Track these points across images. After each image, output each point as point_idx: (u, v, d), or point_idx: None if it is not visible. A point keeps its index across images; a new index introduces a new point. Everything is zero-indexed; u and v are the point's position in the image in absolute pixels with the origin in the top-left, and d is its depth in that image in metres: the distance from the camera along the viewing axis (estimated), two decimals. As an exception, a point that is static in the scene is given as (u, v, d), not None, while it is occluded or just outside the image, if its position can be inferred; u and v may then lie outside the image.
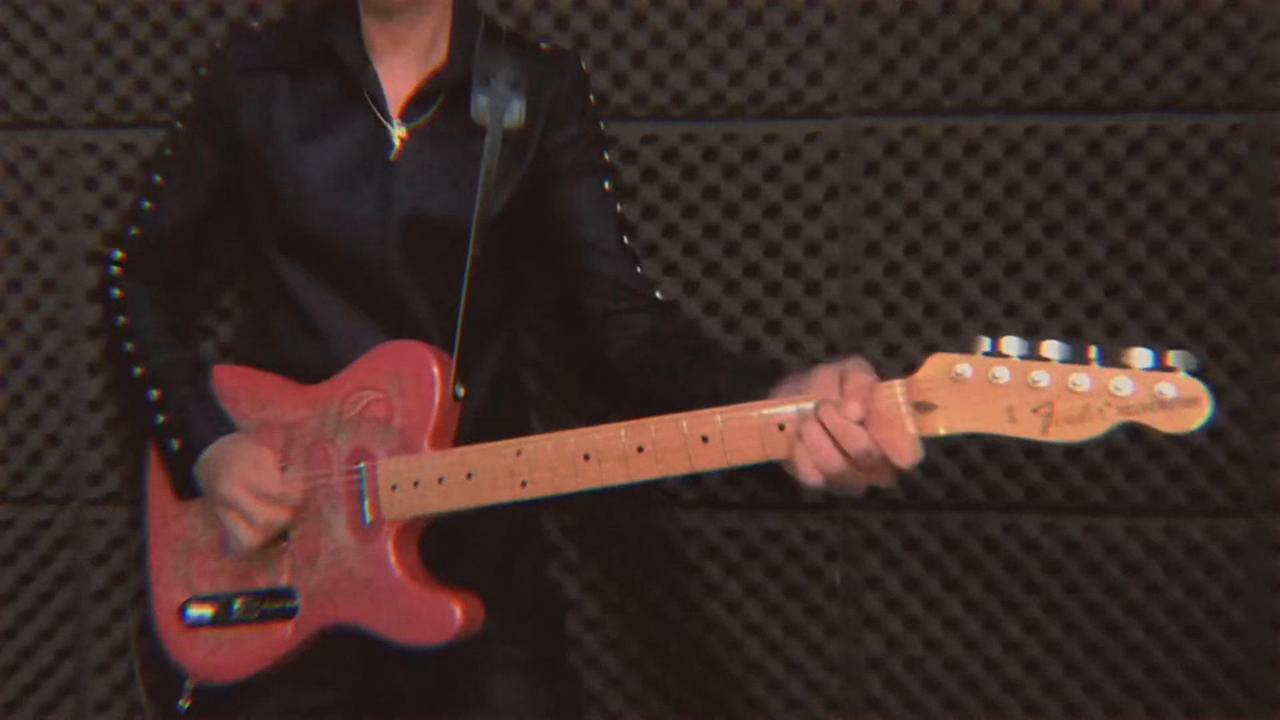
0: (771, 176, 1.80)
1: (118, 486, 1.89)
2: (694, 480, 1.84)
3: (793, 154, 1.79)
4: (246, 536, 1.48)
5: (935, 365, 1.21)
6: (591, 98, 1.64)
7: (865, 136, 1.79)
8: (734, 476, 1.83)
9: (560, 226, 1.59)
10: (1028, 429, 1.16)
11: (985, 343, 1.18)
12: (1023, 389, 1.16)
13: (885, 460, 1.20)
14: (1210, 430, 1.74)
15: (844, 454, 1.20)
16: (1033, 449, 1.78)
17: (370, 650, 1.46)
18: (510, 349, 1.68)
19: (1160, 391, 1.12)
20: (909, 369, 1.78)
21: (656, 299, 1.60)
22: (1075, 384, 1.14)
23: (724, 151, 1.80)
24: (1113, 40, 1.74)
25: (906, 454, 1.20)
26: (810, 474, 1.21)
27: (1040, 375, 1.15)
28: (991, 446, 1.78)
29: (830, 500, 1.82)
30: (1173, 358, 1.13)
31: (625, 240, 1.60)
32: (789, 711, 1.84)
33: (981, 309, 1.78)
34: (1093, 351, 1.15)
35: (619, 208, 1.62)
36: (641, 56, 1.80)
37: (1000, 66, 1.76)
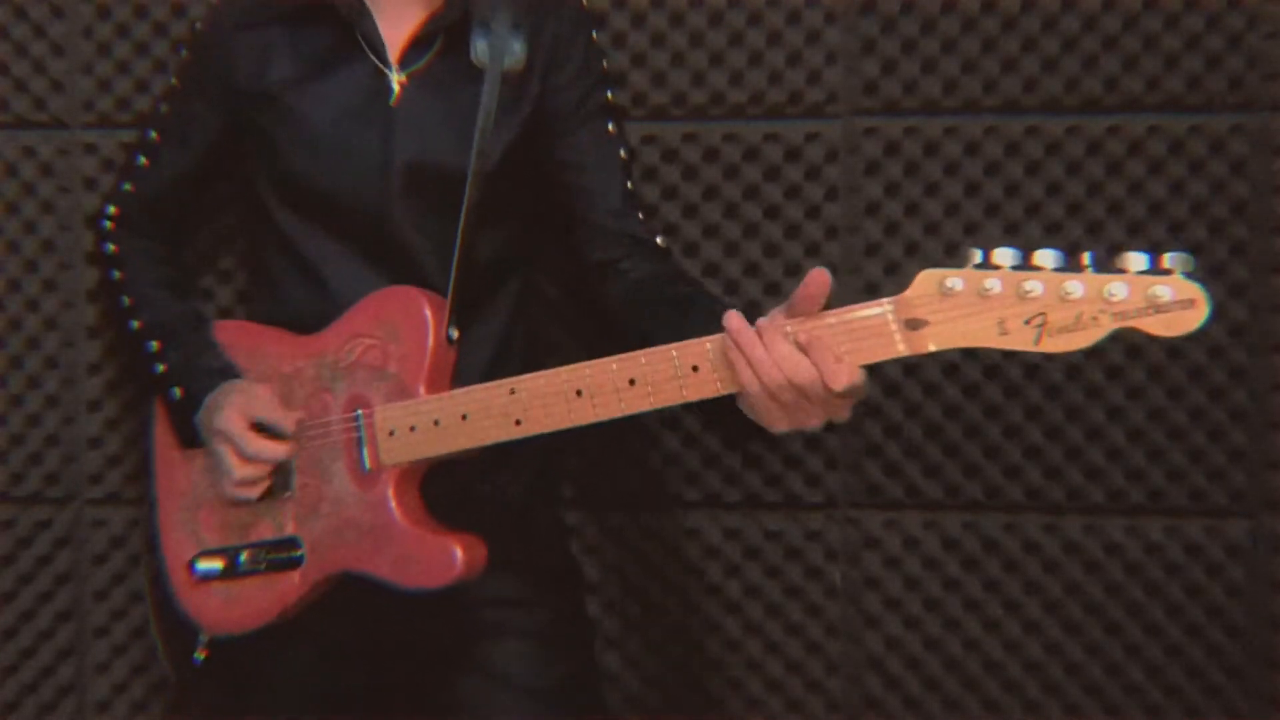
0: (771, 176, 1.80)
1: (118, 486, 1.89)
2: (695, 479, 1.84)
3: (793, 154, 1.79)
4: (235, 467, 1.47)
5: (925, 281, 1.16)
6: (594, 35, 1.63)
7: (865, 136, 1.79)
8: (734, 477, 1.83)
9: (562, 173, 1.58)
10: (1020, 341, 1.13)
11: (977, 255, 1.14)
12: (1014, 300, 1.12)
13: (823, 385, 1.18)
14: (1210, 430, 1.75)
15: (774, 378, 1.19)
16: (1033, 448, 1.78)
17: (383, 606, 1.46)
18: (523, 299, 1.65)
19: (1155, 294, 1.08)
20: (908, 371, 1.80)
21: (656, 245, 1.58)
22: (1068, 292, 1.10)
23: (724, 151, 1.80)
24: (1113, 40, 1.74)
25: (840, 377, 1.17)
26: (749, 389, 1.21)
27: (1033, 285, 1.11)
28: (991, 446, 1.79)
29: (830, 500, 1.82)
30: (1169, 259, 1.08)
31: (628, 185, 1.59)
32: (789, 711, 1.84)
33: (981, 309, 1.78)
34: (1087, 258, 1.11)
35: (623, 152, 1.60)
36: (642, 56, 1.80)
37: (1000, 66, 1.76)
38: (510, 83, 1.53)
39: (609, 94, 1.61)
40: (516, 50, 1.53)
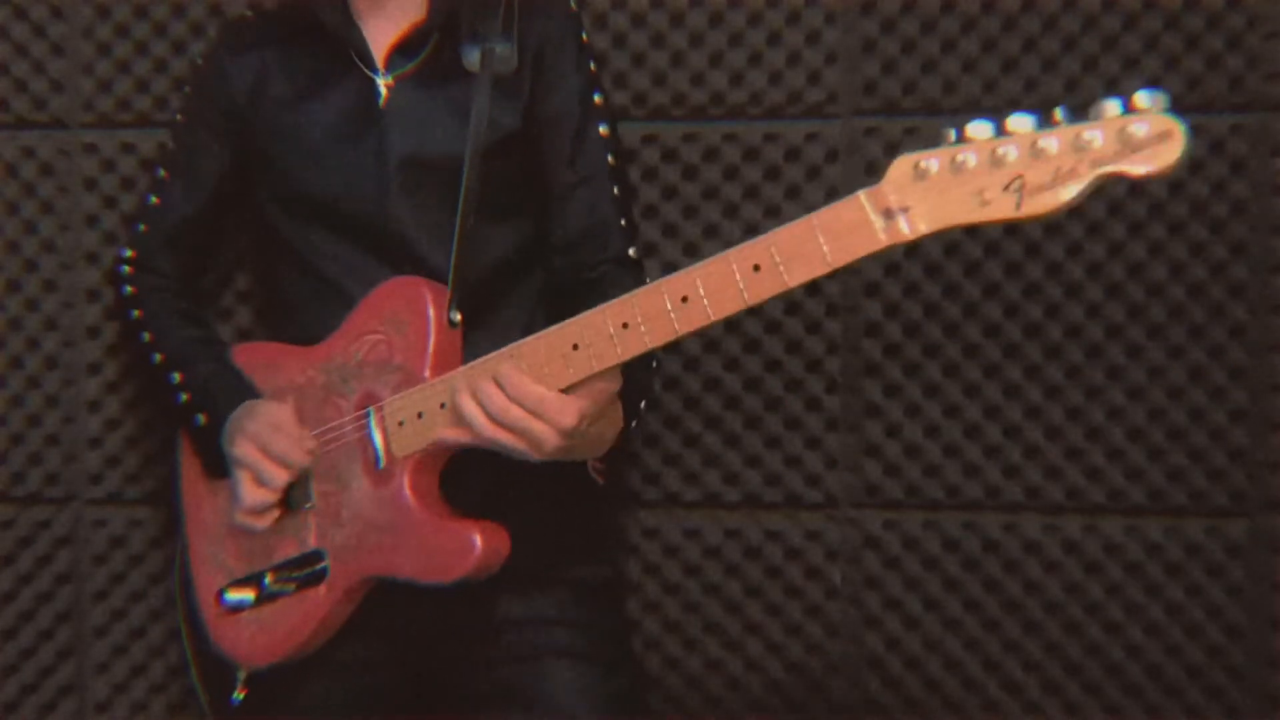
0: (771, 176, 1.80)
1: (118, 486, 1.89)
2: (694, 480, 1.84)
3: (793, 154, 1.79)
4: (248, 493, 1.47)
5: (900, 167, 1.14)
6: (584, 36, 1.62)
7: (865, 136, 1.79)
8: (734, 477, 1.83)
9: (546, 175, 1.58)
10: (1001, 209, 1.10)
11: (952, 134, 1.12)
12: (990, 168, 1.10)
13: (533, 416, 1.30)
14: (1210, 430, 1.75)
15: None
16: (1033, 448, 1.78)
17: (423, 630, 1.47)
18: (540, 301, 1.62)
19: (1130, 133, 1.05)
20: (909, 372, 1.80)
21: (627, 256, 1.58)
22: (1043, 149, 1.08)
23: (724, 151, 1.80)
24: (1113, 40, 1.74)
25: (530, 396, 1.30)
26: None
27: (1007, 149, 1.09)
28: (991, 446, 1.79)
29: (830, 500, 1.82)
30: (1140, 99, 1.06)
31: (614, 191, 1.59)
32: (790, 712, 1.84)
33: (981, 309, 1.78)
34: (1059, 113, 1.09)
35: (611, 157, 1.59)
36: (641, 56, 1.80)
37: (1000, 66, 1.76)
38: (502, 84, 1.54)
39: (596, 97, 1.60)
40: (506, 55, 1.54)
